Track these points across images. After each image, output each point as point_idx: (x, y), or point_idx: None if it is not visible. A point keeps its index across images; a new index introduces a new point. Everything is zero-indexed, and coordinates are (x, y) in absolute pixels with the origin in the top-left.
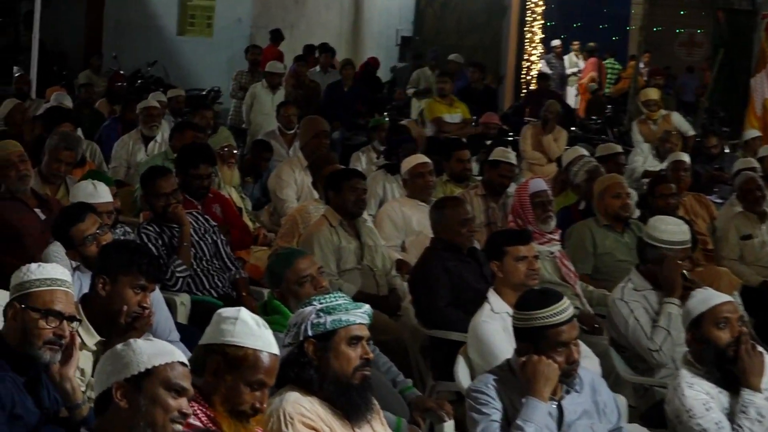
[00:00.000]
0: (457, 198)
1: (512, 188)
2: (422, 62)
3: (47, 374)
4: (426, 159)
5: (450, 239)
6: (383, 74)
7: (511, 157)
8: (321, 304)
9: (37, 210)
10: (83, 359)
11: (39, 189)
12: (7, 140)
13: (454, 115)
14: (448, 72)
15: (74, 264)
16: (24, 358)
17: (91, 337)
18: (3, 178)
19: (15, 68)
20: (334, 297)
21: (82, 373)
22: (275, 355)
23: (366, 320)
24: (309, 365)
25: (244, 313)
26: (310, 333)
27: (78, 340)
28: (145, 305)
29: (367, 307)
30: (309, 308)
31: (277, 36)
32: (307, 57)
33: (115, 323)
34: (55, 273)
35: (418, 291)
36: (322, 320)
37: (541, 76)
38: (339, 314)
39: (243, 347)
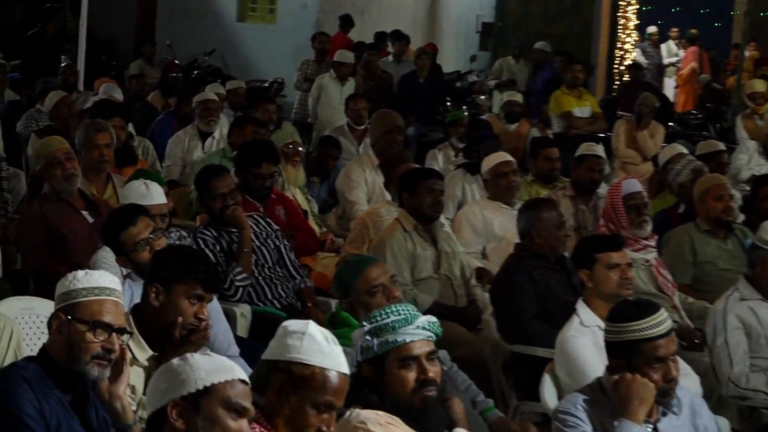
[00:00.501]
0: (551, 199)
1: (604, 189)
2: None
3: (95, 392)
4: (509, 157)
5: (544, 244)
6: (461, 64)
7: (598, 150)
8: (370, 324)
9: (84, 212)
10: (134, 375)
11: (85, 189)
12: (52, 136)
13: (584, 108)
14: (582, 60)
15: (125, 271)
16: (70, 374)
17: (142, 352)
18: (48, 178)
19: (61, 58)
20: (385, 313)
21: (132, 390)
22: (345, 374)
23: (420, 336)
24: (369, 389)
25: (312, 327)
26: (359, 358)
27: (128, 355)
28: (202, 317)
29: (422, 319)
30: (358, 331)
31: (346, 22)
32: (379, 45)
33: (169, 336)
34: (104, 281)
35: (500, 302)
36: (369, 344)
37: (633, 66)
38: (386, 335)
39: (310, 365)
